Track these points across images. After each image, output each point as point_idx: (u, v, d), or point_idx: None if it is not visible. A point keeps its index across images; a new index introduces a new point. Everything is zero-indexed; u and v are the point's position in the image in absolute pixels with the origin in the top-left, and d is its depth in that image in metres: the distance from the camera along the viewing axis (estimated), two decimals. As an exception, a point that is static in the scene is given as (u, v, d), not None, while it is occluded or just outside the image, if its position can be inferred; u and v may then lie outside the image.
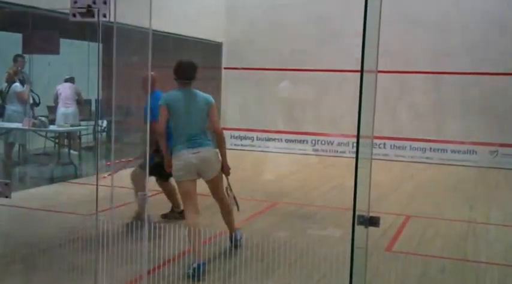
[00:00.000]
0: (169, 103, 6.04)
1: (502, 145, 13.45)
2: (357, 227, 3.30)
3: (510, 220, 8.54)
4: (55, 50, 9.19)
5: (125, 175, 6.58)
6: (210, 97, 6.31)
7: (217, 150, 6.17)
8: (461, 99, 13.70)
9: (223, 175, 6.28)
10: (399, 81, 13.91)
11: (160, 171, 6.43)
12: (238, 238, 6.53)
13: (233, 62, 15.52)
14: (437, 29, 13.70)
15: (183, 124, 6.03)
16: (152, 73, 6.37)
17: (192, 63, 6.56)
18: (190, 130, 6.01)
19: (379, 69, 3.60)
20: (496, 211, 9.04)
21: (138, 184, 6.89)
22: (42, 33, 9.34)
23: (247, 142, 15.44)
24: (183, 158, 5.93)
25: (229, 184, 6.39)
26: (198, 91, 6.32)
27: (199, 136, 6.04)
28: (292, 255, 6.11)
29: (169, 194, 7.60)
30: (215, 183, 6.21)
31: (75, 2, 3.92)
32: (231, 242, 6.51)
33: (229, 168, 6.30)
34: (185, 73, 6.34)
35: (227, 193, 6.41)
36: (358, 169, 3.32)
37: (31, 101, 11.32)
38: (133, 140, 10.69)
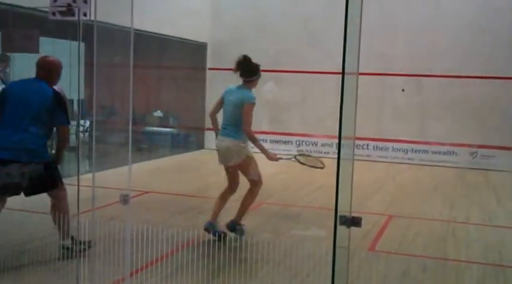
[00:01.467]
0: (223, 95, 7.20)
1: (481, 146, 13.54)
2: (339, 227, 3.30)
3: (489, 219, 8.58)
4: (34, 49, 9.10)
5: (107, 175, 6.52)
6: (248, 98, 6.92)
7: (242, 143, 6.73)
8: (442, 101, 13.76)
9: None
10: (382, 83, 13.94)
11: None
12: (239, 233, 6.84)
13: (218, 62, 15.46)
14: (419, 31, 13.73)
15: (223, 115, 6.98)
16: None
17: (249, 61, 7.35)
18: (224, 121, 6.92)
19: (362, 71, 3.60)
20: (475, 211, 9.08)
21: None
22: (21, 31, 9.25)
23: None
24: (216, 144, 7.02)
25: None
26: (245, 89, 7.13)
27: (229, 127, 6.81)
28: (276, 255, 6.11)
29: None
30: (241, 169, 6.83)
31: (55, 1, 3.88)
32: (228, 229, 6.85)
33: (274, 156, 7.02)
34: (241, 72, 7.21)
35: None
36: (340, 170, 3.31)
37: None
38: (117, 140, 10.63)
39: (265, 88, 14.45)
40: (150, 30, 12.34)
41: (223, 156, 6.80)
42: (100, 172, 6.50)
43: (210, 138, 15.60)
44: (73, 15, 3.89)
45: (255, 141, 6.76)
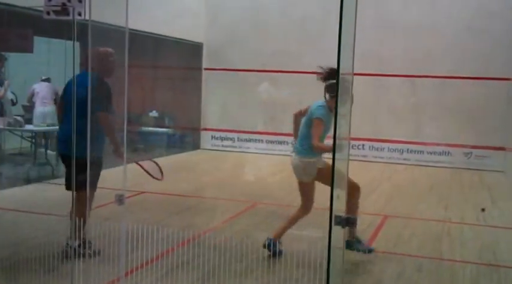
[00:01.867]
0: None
1: (475, 147, 13.57)
2: (334, 227, 3.29)
3: (483, 219, 8.59)
4: (29, 48, 9.09)
5: (103, 175, 6.49)
6: (315, 112, 6.40)
7: (312, 160, 6.28)
8: (438, 101, 13.79)
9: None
10: (378, 83, 13.96)
11: None
12: (272, 247, 6.29)
13: (214, 62, 15.47)
14: (414, 32, 13.76)
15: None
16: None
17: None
18: (297, 137, 6.54)
19: (358, 71, 3.60)
20: (470, 211, 9.09)
21: None
22: (16, 31, 9.23)
23: (228, 143, 15.41)
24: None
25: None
26: (318, 102, 6.57)
27: (299, 143, 6.41)
28: (272, 255, 6.11)
29: None
30: (304, 186, 6.44)
31: (49, 0, 3.87)
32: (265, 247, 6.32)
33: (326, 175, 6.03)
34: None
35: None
36: (336, 170, 3.31)
37: (9, 100, 11.20)
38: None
39: (261, 89, 14.48)
40: (145, 30, 12.32)
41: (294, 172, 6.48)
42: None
43: (205, 138, 15.64)
44: (68, 14, 3.88)
45: (317, 153, 6.35)
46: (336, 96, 3.25)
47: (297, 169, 6.35)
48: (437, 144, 13.67)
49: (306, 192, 6.45)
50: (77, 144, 5.16)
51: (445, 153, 13.74)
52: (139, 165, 6.28)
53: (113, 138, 6.09)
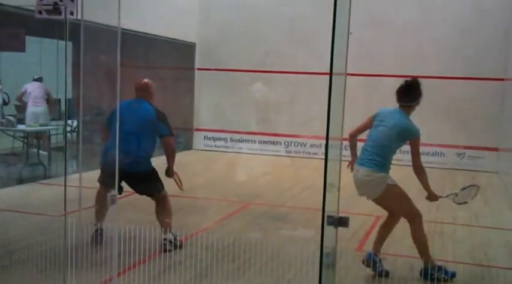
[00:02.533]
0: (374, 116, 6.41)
1: (468, 147, 13.61)
2: (326, 227, 3.30)
3: (476, 220, 8.62)
4: (21, 48, 9.07)
5: (95, 176, 6.48)
6: (408, 128, 6.32)
7: (381, 175, 6.12)
8: (430, 102, 13.76)
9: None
10: (369, 83, 13.97)
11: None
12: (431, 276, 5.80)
13: (206, 62, 15.46)
14: (406, 33, 13.81)
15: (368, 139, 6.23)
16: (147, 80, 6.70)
17: (411, 85, 6.47)
18: (367, 147, 6.19)
19: (350, 71, 3.60)
20: (462, 212, 9.10)
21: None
22: (7, 30, 9.21)
23: (221, 143, 15.40)
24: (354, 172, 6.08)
25: None
26: (401, 115, 6.40)
27: (370, 155, 6.09)
28: (264, 256, 6.11)
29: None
30: (382, 204, 6.25)
31: (41, -1, 3.87)
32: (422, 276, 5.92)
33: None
34: (400, 96, 6.45)
35: None
36: (328, 170, 3.32)
37: (0, 100, 11.18)
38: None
39: (254, 89, 14.48)
40: (137, 29, 12.30)
41: (358, 187, 6.22)
42: (87, 172, 6.46)
43: (198, 138, 15.63)
44: (59, 13, 3.87)
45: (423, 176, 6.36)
46: (329, 96, 3.25)
47: (362, 183, 6.17)
48: (430, 145, 13.69)
49: (389, 207, 6.36)
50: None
51: (438, 153, 13.77)
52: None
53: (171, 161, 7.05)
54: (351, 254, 6.42)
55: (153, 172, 6.77)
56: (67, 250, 4.92)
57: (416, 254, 6.57)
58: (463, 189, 6.37)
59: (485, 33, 13.35)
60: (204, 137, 15.56)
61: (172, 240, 6.37)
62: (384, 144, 6.07)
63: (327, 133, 3.25)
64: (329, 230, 3.33)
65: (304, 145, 14.68)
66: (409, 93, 6.32)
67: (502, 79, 13.13)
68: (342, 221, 3.37)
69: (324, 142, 3.50)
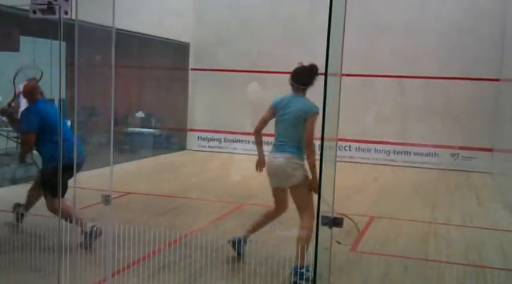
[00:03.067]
0: (276, 105, 6.23)
1: (462, 148, 13.64)
2: (321, 227, 3.31)
3: (470, 221, 8.64)
4: (15, 47, 9.03)
5: (89, 176, 6.48)
6: (309, 107, 5.88)
7: (299, 160, 5.80)
8: (425, 102, 13.85)
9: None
10: (365, 84, 14.00)
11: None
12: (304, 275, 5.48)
13: (201, 62, 15.45)
14: (402, 33, 13.83)
15: (278, 129, 6.14)
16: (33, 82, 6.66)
17: (309, 68, 6.22)
18: (280, 138, 6.05)
19: (346, 72, 3.60)
20: (456, 212, 9.15)
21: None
22: (1, 30, 9.17)
23: (215, 143, 15.39)
24: (268, 161, 6.05)
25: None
26: (300, 98, 6.12)
27: (285, 142, 5.95)
28: (258, 256, 6.11)
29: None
30: (292, 192, 5.89)
31: (36, -1, 3.87)
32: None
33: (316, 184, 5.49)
34: (298, 79, 6.22)
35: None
36: (323, 171, 3.32)
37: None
38: (99, 141, 10.56)
39: (248, 89, 14.48)
40: (132, 29, 12.29)
41: (276, 175, 5.95)
42: (82, 172, 6.47)
43: (192, 138, 15.62)
44: (54, 13, 3.87)
45: (312, 155, 5.70)
46: (324, 97, 3.25)
47: (282, 170, 5.89)
48: (424, 145, 13.73)
49: (296, 196, 5.92)
50: None
51: (432, 154, 13.80)
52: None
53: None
54: (345, 254, 6.42)
55: None
56: (61, 250, 4.91)
57: (411, 255, 6.61)
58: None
59: (480, 34, 13.37)
60: (198, 137, 15.55)
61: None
62: (296, 131, 5.89)
63: (322, 134, 3.25)
64: (323, 230, 3.34)
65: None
66: (311, 76, 6.11)
67: (497, 80, 13.17)
68: (336, 222, 3.37)
69: (317, 142, 3.50)
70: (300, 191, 5.74)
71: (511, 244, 7.46)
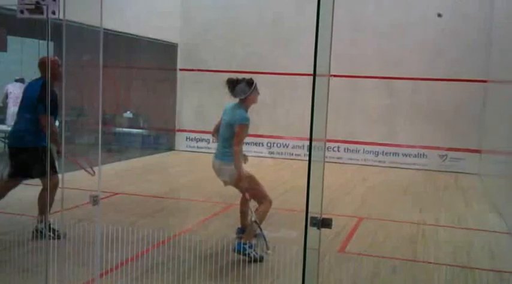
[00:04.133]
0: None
1: (451, 149, 13.70)
2: (309, 228, 3.31)
3: (458, 222, 8.69)
4: (2, 47, 9.02)
5: (77, 177, 6.47)
6: (240, 119, 6.61)
7: (231, 166, 6.46)
8: (413, 104, 13.91)
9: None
10: (352, 85, 14.05)
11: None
12: (243, 250, 6.14)
13: (189, 63, 15.44)
14: (389, 35, 13.88)
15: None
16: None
17: (244, 83, 6.86)
18: (219, 141, 6.74)
19: (333, 73, 3.61)
20: (444, 213, 9.20)
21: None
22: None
23: (203, 144, 15.37)
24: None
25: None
26: (236, 108, 6.82)
27: (221, 148, 6.65)
28: (247, 257, 6.12)
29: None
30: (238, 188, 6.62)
31: (23, -2, 3.87)
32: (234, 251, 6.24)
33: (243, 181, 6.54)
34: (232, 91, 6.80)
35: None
36: (311, 172, 3.33)
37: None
38: (87, 141, 10.58)
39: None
40: (120, 30, 12.27)
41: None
42: (70, 173, 6.46)
43: (180, 139, 15.60)
44: (41, 13, 3.87)
45: (236, 157, 6.51)
46: (312, 98, 3.26)
47: (218, 172, 6.71)
48: (413, 146, 13.79)
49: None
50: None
51: (420, 155, 13.85)
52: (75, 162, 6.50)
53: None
54: (333, 255, 6.44)
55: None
56: (49, 250, 4.91)
57: (400, 256, 6.64)
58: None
59: (467, 35, 13.43)
60: (186, 138, 15.54)
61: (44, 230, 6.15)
62: (227, 137, 6.58)
63: (310, 135, 3.25)
64: (312, 231, 3.34)
65: (287, 146, 14.73)
66: (233, 88, 6.82)
67: (485, 81, 13.23)
68: (325, 223, 3.38)
69: (306, 143, 3.52)
70: (243, 185, 6.51)
71: (499, 245, 7.51)
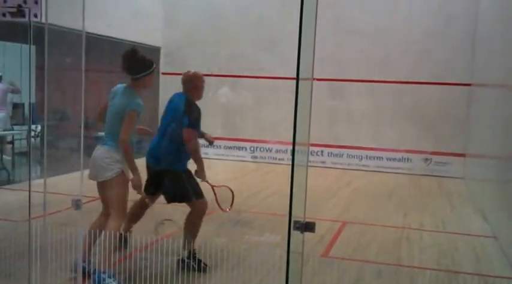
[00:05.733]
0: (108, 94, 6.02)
1: (435, 153, 13.79)
2: (293, 232, 3.34)
3: (443, 226, 8.76)
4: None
5: (59, 181, 6.46)
6: (127, 102, 5.75)
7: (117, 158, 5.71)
8: (397, 107, 13.99)
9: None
10: (336, 88, 14.11)
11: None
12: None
13: (171, 66, 15.43)
14: (373, 37, 13.97)
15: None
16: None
17: (130, 54, 5.88)
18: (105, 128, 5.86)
19: (317, 76, 3.63)
20: (429, 218, 9.25)
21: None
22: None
23: (185, 148, 15.35)
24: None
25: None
26: (126, 92, 5.90)
27: (107, 136, 5.81)
28: (230, 261, 6.14)
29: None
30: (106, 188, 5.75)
31: (5, 1, 3.88)
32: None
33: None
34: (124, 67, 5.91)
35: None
36: (294, 176, 3.36)
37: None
38: (69, 145, 10.55)
39: (219, 93, 14.50)
40: (102, 33, 12.26)
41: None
42: (52, 177, 6.44)
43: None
44: (23, 16, 3.89)
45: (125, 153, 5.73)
46: (296, 102, 3.27)
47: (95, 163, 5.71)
48: (397, 150, 13.85)
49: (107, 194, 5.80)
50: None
51: (405, 159, 13.94)
52: (212, 188, 6.73)
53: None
54: (317, 260, 6.47)
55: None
56: (32, 255, 4.90)
57: (384, 260, 6.69)
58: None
59: (452, 38, 13.54)
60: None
61: (188, 260, 6.11)
62: (115, 125, 5.72)
63: (293, 139, 3.28)
64: (296, 235, 3.37)
65: (270, 151, 14.76)
66: (131, 64, 5.83)
67: (469, 85, 13.32)
68: (309, 227, 3.41)
69: (289, 147, 3.54)
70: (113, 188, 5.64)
71: (484, 249, 7.57)
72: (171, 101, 6.74)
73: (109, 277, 5.31)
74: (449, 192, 11.86)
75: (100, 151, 5.62)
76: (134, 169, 5.68)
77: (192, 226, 6.28)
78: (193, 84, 6.73)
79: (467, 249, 7.51)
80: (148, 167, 6.54)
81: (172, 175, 6.27)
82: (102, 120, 5.94)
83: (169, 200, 6.42)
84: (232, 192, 6.83)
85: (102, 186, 5.68)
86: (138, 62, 5.84)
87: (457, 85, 13.55)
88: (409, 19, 13.80)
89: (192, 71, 6.84)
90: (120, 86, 5.93)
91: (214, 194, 6.55)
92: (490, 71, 10.44)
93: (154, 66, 6.05)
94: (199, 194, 6.34)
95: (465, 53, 13.41)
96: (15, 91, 12.38)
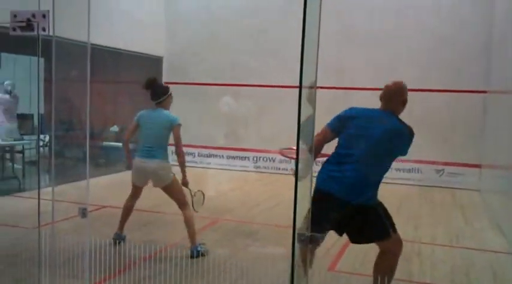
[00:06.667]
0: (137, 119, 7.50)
1: (448, 163, 13.67)
2: (297, 245, 3.35)
3: (456, 240, 8.65)
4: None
5: (66, 189, 6.60)
6: (169, 119, 7.49)
7: (169, 165, 7.38)
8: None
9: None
10: (341, 97, 14.13)
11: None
12: (195, 254, 6.98)
13: (174, 76, 15.60)
14: (380, 43, 14.00)
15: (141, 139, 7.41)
16: None
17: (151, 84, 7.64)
18: (147, 144, 7.39)
19: (321, 85, 3.67)
20: (442, 231, 9.15)
21: None
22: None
23: (189, 158, 15.38)
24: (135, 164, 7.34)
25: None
26: (161, 112, 7.52)
27: (155, 150, 7.37)
28: (233, 273, 6.23)
29: None
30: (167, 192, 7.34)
31: (15, 16, 4.09)
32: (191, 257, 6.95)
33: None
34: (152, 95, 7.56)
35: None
36: (298, 187, 3.39)
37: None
38: (76, 155, 10.80)
39: (221, 103, 14.65)
40: (106, 44, 12.53)
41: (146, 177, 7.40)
42: (59, 186, 6.59)
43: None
44: (32, 30, 4.10)
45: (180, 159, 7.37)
46: (299, 110, 3.30)
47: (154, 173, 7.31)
48: (406, 161, 13.76)
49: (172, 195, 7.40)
50: None
51: (415, 169, 13.83)
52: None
53: None
54: (323, 274, 6.52)
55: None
56: (41, 262, 5.06)
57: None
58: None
59: (465, 44, 13.49)
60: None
61: None
62: (162, 140, 7.49)
63: (297, 149, 3.32)
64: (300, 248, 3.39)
65: (273, 161, 14.84)
66: (153, 92, 7.64)
67: (485, 92, 13.20)
68: (313, 240, 3.41)
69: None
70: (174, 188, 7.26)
71: (501, 266, 7.45)
72: (375, 119, 5.81)
73: (200, 247, 7.05)
74: (463, 205, 11.71)
75: (154, 164, 7.28)
76: (185, 172, 7.32)
77: (390, 273, 5.61)
78: (403, 98, 5.93)
79: (484, 266, 7.40)
80: (329, 196, 5.52)
81: (374, 210, 5.68)
82: (133, 138, 7.60)
83: (362, 239, 5.79)
84: (203, 195, 7.81)
85: (164, 189, 7.32)
86: (159, 89, 7.69)
87: (472, 92, 13.41)
88: (417, 24, 13.79)
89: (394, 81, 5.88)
90: (146, 111, 7.59)
91: (191, 196, 7.48)
92: (507, 76, 10.19)
93: (170, 90, 7.77)
94: (393, 227, 5.66)
95: (480, 59, 13.28)
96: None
